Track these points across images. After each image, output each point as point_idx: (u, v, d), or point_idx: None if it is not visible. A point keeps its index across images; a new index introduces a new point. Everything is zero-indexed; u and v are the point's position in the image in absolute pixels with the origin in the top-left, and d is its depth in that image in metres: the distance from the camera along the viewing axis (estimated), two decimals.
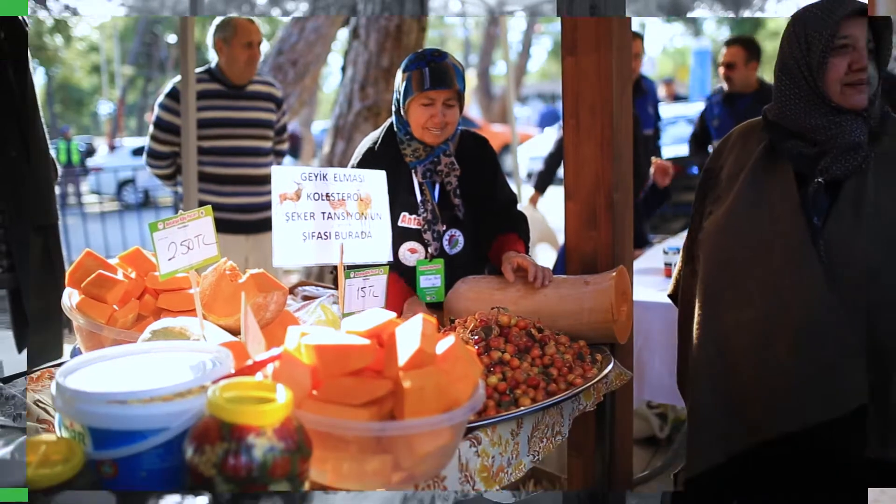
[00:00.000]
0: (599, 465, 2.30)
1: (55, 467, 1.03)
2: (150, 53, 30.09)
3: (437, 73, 2.23)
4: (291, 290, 2.58)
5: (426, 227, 2.34)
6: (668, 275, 3.06)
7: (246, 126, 3.81)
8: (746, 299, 1.71)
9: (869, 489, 1.62)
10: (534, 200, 5.26)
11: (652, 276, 3.19)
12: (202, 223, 1.64)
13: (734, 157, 1.88)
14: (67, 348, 2.30)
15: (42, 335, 2.93)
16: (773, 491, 1.76)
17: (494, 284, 2.23)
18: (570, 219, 2.41)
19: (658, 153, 4.94)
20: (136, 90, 31.97)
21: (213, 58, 3.87)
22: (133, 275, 1.87)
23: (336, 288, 2.11)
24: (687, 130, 7.37)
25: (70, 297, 1.82)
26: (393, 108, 2.39)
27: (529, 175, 6.20)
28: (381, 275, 1.86)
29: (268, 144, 3.91)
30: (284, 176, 1.76)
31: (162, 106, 3.79)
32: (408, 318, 2.09)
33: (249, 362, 1.30)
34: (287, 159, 4.53)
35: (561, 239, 4.04)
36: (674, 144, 9.91)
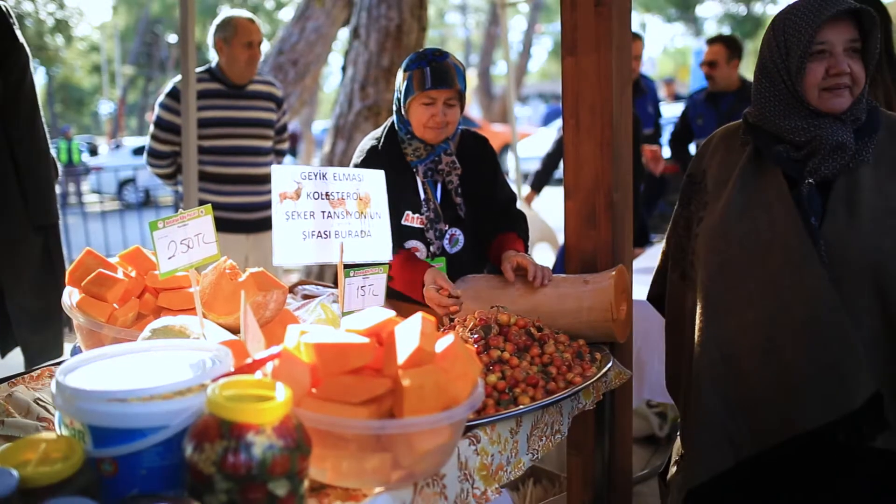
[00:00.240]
0: (599, 463, 2.30)
1: (55, 465, 1.03)
2: (150, 53, 30.12)
3: (438, 72, 2.24)
4: (291, 289, 2.58)
5: (428, 225, 2.35)
6: None
7: (246, 125, 3.82)
8: (748, 301, 1.72)
9: None
10: (529, 199, 5.27)
11: (652, 276, 3.19)
12: (202, 222, 1.65)
13: (718, 162, 1.89)
14: (68, 347, 2.31)
15: (43, 334, 2.94)
16: (778, 493, 1.76)
17: (494, 283, 2.24)
18: (569, 218, 2.42)
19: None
20: (137, 90, 32.00)
21: (213, 57, 3.88)
22: (133, 273, 1.87)
23: (336, 286, 2.11)
24: None
25: (70, 296, 1.82)
26: (394, 108, 2.40)
27: (525, 175, 6.19)
28: (381, 273, 1.87)
29: (268, 144, 3.92)
30: (284, 175, 1.76)
31: (162, 105, 3.80)
32: (431, 291, 2.09)
33: (249, 361, 1.30)
34: (288, 159, 4.53)
35: (561, 238, 4.05)
36: None
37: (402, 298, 2.35)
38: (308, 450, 1.13)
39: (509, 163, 7.95)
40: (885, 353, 1.64)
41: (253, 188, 3.83)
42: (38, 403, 1.66)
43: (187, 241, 1.62)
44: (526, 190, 5.40)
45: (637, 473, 2.99)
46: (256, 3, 24.49)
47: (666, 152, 5.11)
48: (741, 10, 27.18)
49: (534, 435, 1.77)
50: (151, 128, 3.87)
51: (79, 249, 1.96)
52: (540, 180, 5.19)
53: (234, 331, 1.67)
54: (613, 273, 2.15)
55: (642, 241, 4.51)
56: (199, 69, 3.79)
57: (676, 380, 2.00)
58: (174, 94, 3.74)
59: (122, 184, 15.76)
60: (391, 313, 1.38)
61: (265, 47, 4.31)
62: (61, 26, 25.98)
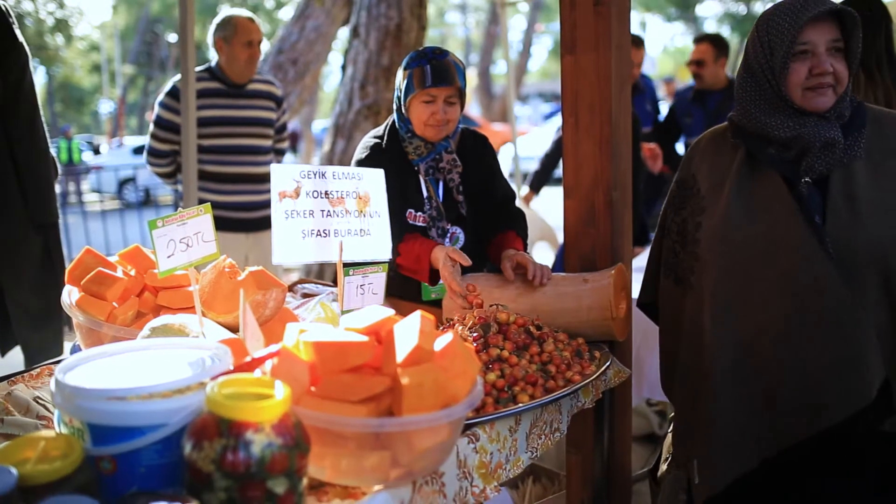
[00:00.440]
0: (598, 462, 2.30)
1: (54, 463, 1.03)
2: (150, 52, 30.12)
3: (438, 70, 2.24)
4: (291, 288, 2.58)
5: (431, 223, 2.35)
6: None
7: (246, 125, 3.82)
8: (760, 303, 1.73)
9: None
10: (528, 199, 5.27)
11: None
12: (201, 221, 1.65)
13: (709, 166, 1.91)
14: (68, 346, 2.31)
15: (43, 333, 2.94)
16: (787, 481, 1.77)
17: (493, 282, 2.24)
18: (569, 216, 2.42)
19: None
20: (137, 89, 31.99)
21: (213, 56, 3.88)
22: (133, 272, 1.87)
23: (336, 285, 2.11)
24: None
25: (70, 295, 1.83)
26: (394, 106, 2.40)
27: (524, 175, 6.19)
28: (380, 272, 1.87)
29: (268, 143, 3.92)
30: (283, 174, 1.76)
31: (162, 104, 3.80)
32: (447, 269, 2.11)
33: (248, 359, 1.30)
34: (288, 157, 4.54)
35: (560, 237, 4.05)
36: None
37: (401, 297, 2.35)
38: (307, 448, 1.13)
39: (509, 160, 7.94)
40: (893, 344, 1.68)
41: (253, 187, 3.83)
42: (37, 402, 1.66)
43: (186, 239, 1.62)
44: (525, 189, 5.40)
45: (636, 472, 2.99)
46: (256, 2, 24.49)
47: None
48: (741, 9, 27.16)
49: (533, 433, 1.77)
50: (151, 127, 3.87)
51: (79, 248, 1.96)
52: (539, 180, 5.18)
53: (234, 329, 1.67)
54: (613, 272, 2.15)
55: (642, 240, 4.52)
56: (198, 68, 3.80)
57: (672, 383, 2.00)
58: (174, 93, 3.74)
59: (123, 183, 15.77)
60: (390, 312, 1.38)
61: (265, 46, 4.31)
62: (61, 26, 25.97)
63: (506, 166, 2.61)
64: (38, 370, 1.84)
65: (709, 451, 1.79)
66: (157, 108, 3.84)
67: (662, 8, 29.14)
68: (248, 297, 1.66)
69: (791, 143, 1.74)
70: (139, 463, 1.12)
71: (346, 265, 1.83)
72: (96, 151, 20.66)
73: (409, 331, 1.29)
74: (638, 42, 4.96)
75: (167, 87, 3.85)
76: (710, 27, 29.42)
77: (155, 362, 1.31)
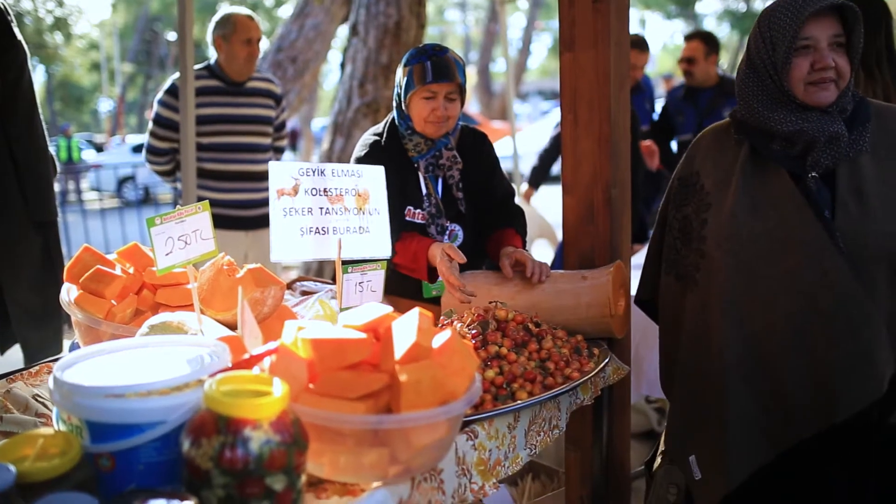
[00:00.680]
0: (597, 458, 2.30)
1: (52, 460, 1.04)
2: (149, 51, 30.11)
3: (438, 66, 2.24)
4: (290, 286, 2.58)
5: (430, 220, 2.35)
6: None
7: (245, 122, 3.82)
8: (771, 299, 1.74)
9: None
10: (527, 196, 5.27)
11: None
12: (200, 218, 1.65)
13: (712, 163, 1.91)
14: (67, 344, 2.31)
15: (42, 331, 2.94)
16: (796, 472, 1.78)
17: (492, 279, 2.24)
18: (567, 214, 2.42)
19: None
20: (136, 87, 31.98)
21: (212, 54, 3.88)
22: (131, 270, 1.88)
23: (335, 283, 2.11)
24: None
25: (68, 293, 1.83)
26: (394, 103, 2.40)
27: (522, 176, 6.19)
28: (379, 270, 1.87)
29: (267, 141, 3.92)
30: (282, 171, 1.76)
31: (161, 102, 3.80)
32: (444, 263, 2.09)
33: (246, 356, 1.31)
34: (287, 155, 4.53)
35: (559, 234, 4.06)
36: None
37: (400, 294, 2.35)
38: (305, 445, 1.13)
39: (506, 155, 7.94)
40: None
41: (252, 185, 3.83)
42: (36, 399, 1.67)
43: (185, 237, 1.62)
44: (524, 186, 5.40)
45: (635, 468, 3.00)
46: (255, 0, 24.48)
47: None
48: (741, 6, 27.12)
49: (532, 430, 1.77)
50: (150, 125, 3.87)
51: (78, 247, 1.96)
52: (538, 176, 5.19)
53: (232, 327, 1.67)
54: (611, 269, 2.15)
55: (641, 238, 4.52)
56: (198, 66, 3.79)
57: (672, 380, 2.00)
58: (173, 90, 3.74)
59: (122, 181, 15.77)
60: (388, 309, 1.38)
61: (264, 44, 4.31)
62: (60, 24, 25.95)
63: (503, 162, 2.60)
64: (36, 368, 1.84)
65: (720, 448, 1.79)
66: (156, 106, 3.84)
67: (662, 5, 29.09)
68: (246, 294, 1.66)
69: (795, 137, 1.74)
70: (138, 460, 1.13)
71: (344, 263, 1.82)
72: (99, 149, 20.71)
73: (407, 328, 1.29)
74: (643, 45, 4.96)
75: (166, 84, 3.85)
76: (709, 24, 29.39)
77: (153, 360, 1.31)
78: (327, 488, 1.29)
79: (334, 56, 12.66)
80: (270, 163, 1.74)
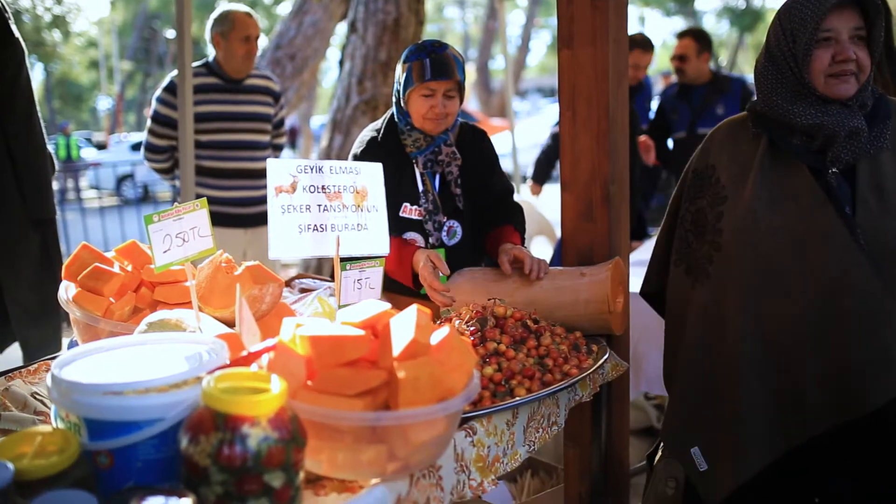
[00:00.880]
0: (596, 455, 2.31)
1: (50, 458, 1.04)
2: (148, 49, 30.08)
3: (437, 63, 2.24)
4: (288, 283, 2.58)
5: (427, 217, 2.35)
6: None
7: (244, 120, 3.81)
8: (789, 294, 1.74)
9: None
10: (535, 192, 5.28)
11: None
12: (197, 215, 1.65)
13: (729, 156, 1.89)
14: (66, 342, 2.31)
15: (41, 329, 2.94)
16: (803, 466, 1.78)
17: (491, 276, 2.24)
18: (566, 210, 2.41)
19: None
20: (135, 85, 31.95)
21: (211, 52, 3.87)
22: (129, 268, 1.88)
23: (333, 280, 2.11)
24: None
25: (67, 290, 1.83)
26: (393, 100, 2.40)
27: (523, 177, 6.19)
28: (378, 267, 1.87)
29: (265, 138, 3.91)
30: (280, 168, 1.76)
31: (159, 100, 3.80)
32: (427, 269, 2.10)
33: (244, 353, 1.31)
34: (286, 153, 4.54)
35: (558, 231, 4.06)
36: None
37: (398, 291, 2.35)
38: (303, 442, 1.13)
39: (504, 151, 7.93)
40: None
41: (250, 182, 3.83)
42: (35, 397, 1.67)
43: (182, 234, 1.62)
44: (528, 183, 5.40)
45: (634, 465, 3.00)
46: None
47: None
48: (740, 3, 27.10)
49: (530, 426, 1.77)
50: (149, 122, 3.87)
51: (77, 245, 1.96)
52: (542, 172, 5.18)
53: (231, 324, 1.68)
54: (610, 265, 2.15)
55: (640, 234, 4.52)
56: (196, 63, 3.79)
57: (673, 378, 2.00)
58: (171, 88, 3.74)
59: (121, 179, 15.76)
60: (387, 306, 1.38)
61: (263, 42, 4.30)
62: (59, 22, 25.92)
63: (501, 158, 2.60)
64: (35, 366, 1.85)
65: (731, 439, 1.79)
66: (154, 104, 3.84)
67: (661, 2, 29.06)
68: (244, 291, 1.66)
69: (814, 131, 1.73)
70: (136, 457, 1.13)
71: (343, 260, 1.82)
72: (99, 147, 20.73)
73: (405, 325, 1.29)
74: (648, 45, 4.96)
75: (165, 82, 3.85)
76: (709, 21, 29.37)
77: (151, 357, 1.31)
78: (325, 485, 1.30)
79: (333, 53, 12.63)
80: (269, 160, 1.74)
